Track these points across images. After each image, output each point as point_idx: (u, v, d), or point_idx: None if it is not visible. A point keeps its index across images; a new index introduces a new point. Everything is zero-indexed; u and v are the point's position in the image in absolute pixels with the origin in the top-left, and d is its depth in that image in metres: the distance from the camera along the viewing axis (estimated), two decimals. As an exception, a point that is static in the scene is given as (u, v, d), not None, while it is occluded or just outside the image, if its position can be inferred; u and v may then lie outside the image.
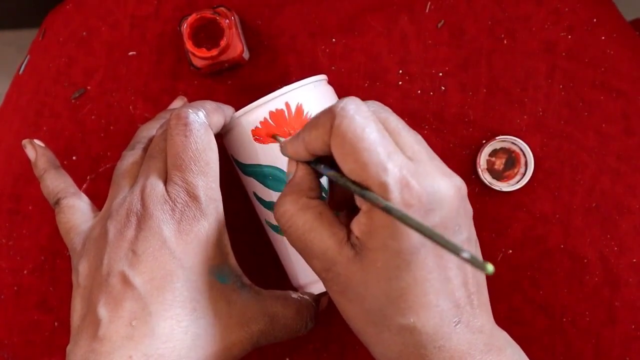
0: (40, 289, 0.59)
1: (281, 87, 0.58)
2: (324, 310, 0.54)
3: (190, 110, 0.47)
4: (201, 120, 0.47)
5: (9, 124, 0.60)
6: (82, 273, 0.46)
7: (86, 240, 0.48)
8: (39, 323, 0.59)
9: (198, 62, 0.55)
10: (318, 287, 0.51)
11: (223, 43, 0.54)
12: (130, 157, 0.50)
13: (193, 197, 0.45)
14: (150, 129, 0.52)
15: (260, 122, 0.50)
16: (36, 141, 0.53)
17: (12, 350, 0.59)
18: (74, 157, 0.59)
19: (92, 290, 0.45)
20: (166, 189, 0.46)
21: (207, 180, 0.46)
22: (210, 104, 0.49)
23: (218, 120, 0.49)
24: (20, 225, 0.59)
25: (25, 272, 0.59)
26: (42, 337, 0.59)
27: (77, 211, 0.50)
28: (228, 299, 0.46)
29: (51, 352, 0.59)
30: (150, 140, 0.51)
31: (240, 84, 0.59)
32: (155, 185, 0.46)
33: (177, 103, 0.57)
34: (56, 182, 0.51)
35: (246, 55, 0.57)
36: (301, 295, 0.50)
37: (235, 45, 0.55)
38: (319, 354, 0.58)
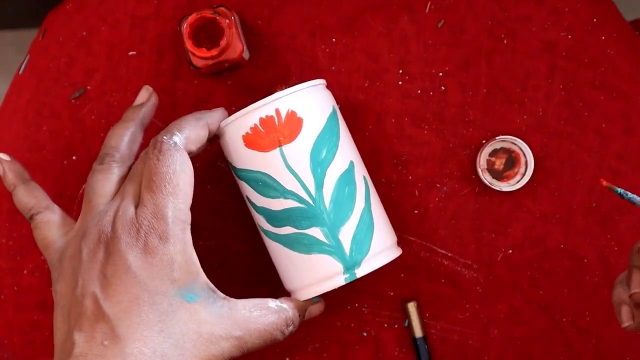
0: (40, 289, 0.59)
1: (281, 89, 0.58)
2: (311, 316, 0.54)
3: (165, 136, 0.48)
4: (174, 143, 0.48)
5: (9, 124, 0.60)
6: (60, 292, 0.48)
7: (62, 258, 0.49)
8: (39, 323, 0.59)
9: (198, 62, 0.55)
10: (305, 293, 0.52)
11: (223, 43, 0.54)
12: (99, 174, 0.50)
13: (160, 218, 0.47)
14: (117, 137, 0.52)
15: (251, 128, 0.50)
16: (1, 155, 0.53)
17: (12, 350, 0.59)
18: (74, 157, 0.59)
19: (70, 310, 0.47)
20: (136, 212, 0.47)
21: (175, 202, 0.47)
22: (189, 120, 0.50)
23: (198, 135, 0.50)
24: (20, 225, 0.59)
25: (25, 272, 0.59)
26: (42, 337, 0.59)
27: (52, 226, 0.51)
28: (197, 318, 0.47)
29: (51, 352, 0.59)
30: (118, 151, 0.51)
31: (240, 84, 0.59)
32: (127, 209, 0.47)
33: (142, 94, 0.55)
34: (27, 199, 0.51)
35: (246, 55, 0.57)
36: (279, 304, 0.50)
37: (235, 45, 0.55)
38: (319, 354, 0.58)
